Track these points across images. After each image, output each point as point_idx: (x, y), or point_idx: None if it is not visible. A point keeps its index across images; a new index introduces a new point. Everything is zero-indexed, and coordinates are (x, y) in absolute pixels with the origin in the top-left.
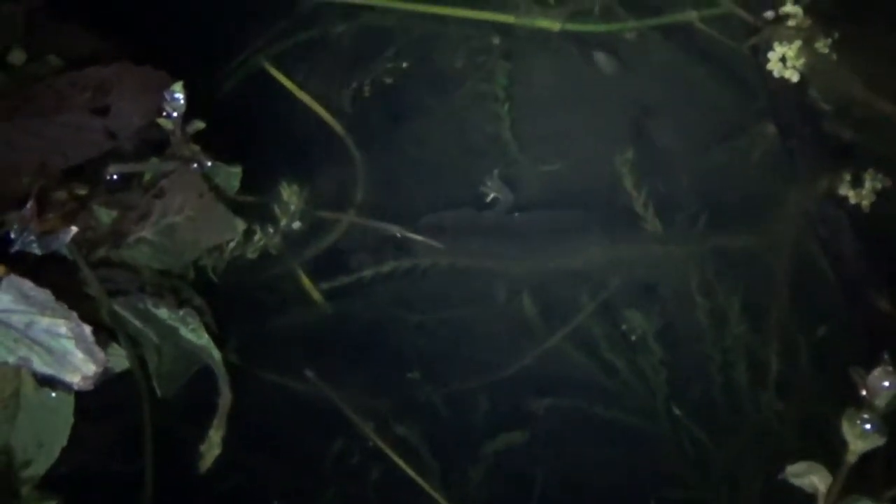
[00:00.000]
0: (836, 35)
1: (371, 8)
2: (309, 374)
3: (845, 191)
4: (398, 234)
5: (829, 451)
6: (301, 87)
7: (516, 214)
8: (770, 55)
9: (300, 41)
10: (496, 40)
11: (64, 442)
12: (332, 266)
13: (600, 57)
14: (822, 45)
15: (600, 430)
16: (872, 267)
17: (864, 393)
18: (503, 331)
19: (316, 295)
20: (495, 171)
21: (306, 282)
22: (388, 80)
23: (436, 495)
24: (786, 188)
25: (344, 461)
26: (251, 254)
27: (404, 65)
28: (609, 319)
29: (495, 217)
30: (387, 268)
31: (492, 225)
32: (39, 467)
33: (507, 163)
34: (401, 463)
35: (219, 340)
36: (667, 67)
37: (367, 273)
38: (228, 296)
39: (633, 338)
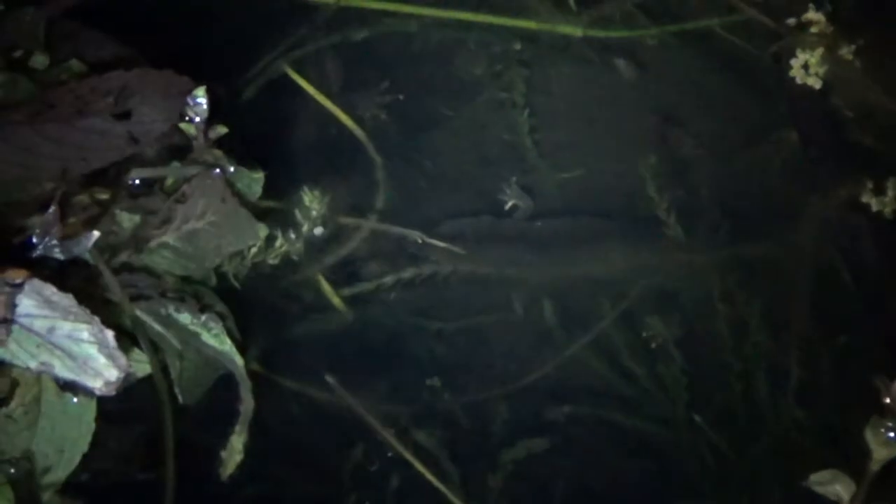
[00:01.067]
0: (860, 42)
1: (392, 13)
2: (330, 380)
3: (868, 199)
4: (419, 240)
5: (850, 459)
6: (323, 92)
7: (537, 222)
8: (792, 62)
9: (322, 46)
10: (517, 46)
11: (85, 448)
12: (353, 273)
13: (621, 63)
14: (845, 52)
15: (620, 438)
16: (892, 273)
17: (888, 401)
18: (523, 339)
19: (337, 301)
20: (513, 179)
21: (327, 288)
22: (409, 87)
23: (456, 501)
24: (807, 196)
25: (364, 468)
26: (272, 260)
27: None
28: (630, 327)
29: (515, 224)
30: (407, 275)
31: (512, 232)
32: (60, 473)
33: (526, 170)
34: (421, 470)
35: (241, 347)
36: (688, 74)
37: (388, 280)
38: (250, 302)
39: (654, 346)
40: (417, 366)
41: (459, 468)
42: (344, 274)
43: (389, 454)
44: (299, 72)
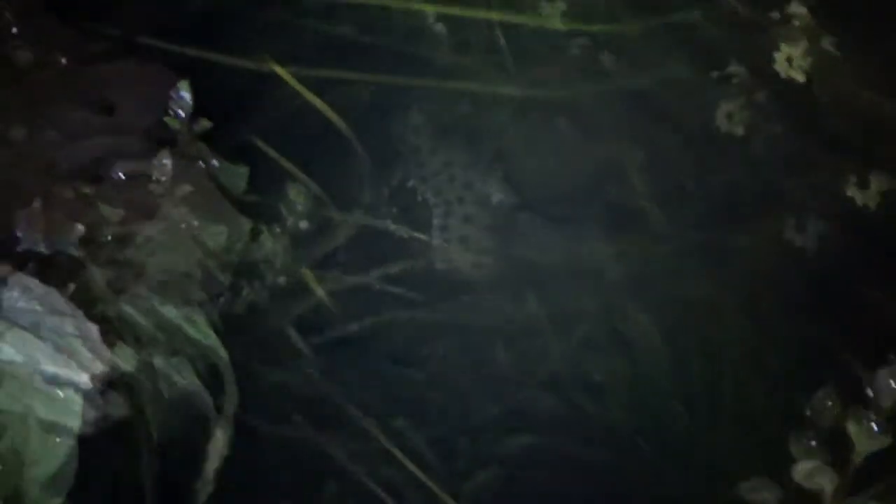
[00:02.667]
0: (843, 34)
1: (376, 7)
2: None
3: (851, 192)
4: (405, 235)
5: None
6: (307, 86)
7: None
8: (776, 55)
9: (307, 41)
10: (501, 41)
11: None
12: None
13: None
14: (827, 44)
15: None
16: (878, 267)
17: (870, 393)
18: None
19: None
20: (499, 172)
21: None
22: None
23: None
24: (791, 188)
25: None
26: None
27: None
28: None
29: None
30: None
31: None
32: None
33: (510, 163)
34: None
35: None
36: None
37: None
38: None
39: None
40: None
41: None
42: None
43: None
44: (284, 66)
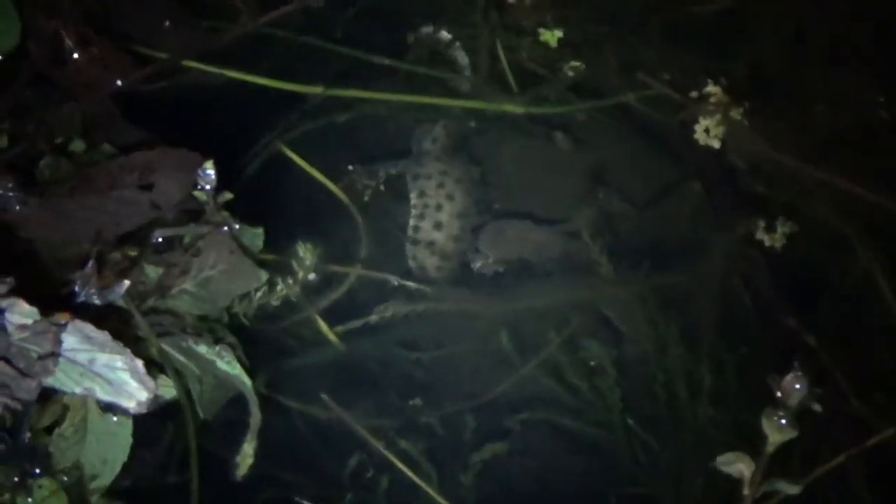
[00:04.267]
0: (749, 106)
1: (367, 100)
2: (327, 400)
3: (761, 235)
4: (396, 283)
5: (755, 446)
6: (311, 164)
7: (494, 266)
8: (696, 127)
9: (310, 128)
10: (472, 123)
11: (125, 458)
12: (344, 312)
13: (558, 136)
14: (736, 114)
15: (567, 439)
16: (784, 296)
17: (779, 394)
18: (485, 362)
19: (332, 336)
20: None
21: (323, 325)
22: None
23: (435, 496)
24: (712, 235)
25: (360, 473)
26: (275, 301)
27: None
28: (572, 350)
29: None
30: (388, 313)
31: (472, 275)
32: (104, 480)
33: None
34: (406, 472)
35: (249, 371)
36: (612, 141)
37: (373, 318)
38: (257, 337)
39: (592, 364)
40: (400, 388)
41: (437, 469)
42: (336, 313)
43: (380, 459)
44: (292, 149)
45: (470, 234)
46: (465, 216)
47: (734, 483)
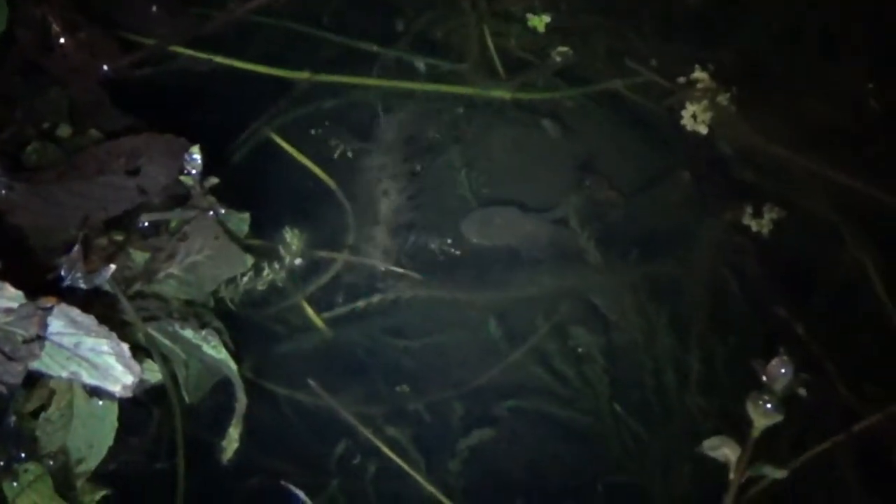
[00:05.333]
0: (736, 92)
1: (355, 86)
2: (314, 386)
3: (748, 221)
4: (383, 269)
5: (743, 434)
6: (299, 150)
7: (481, 254)
8: (683, 113)
9: (298, 114)
10: (460, 110)
11: (111, 443)
12: (331, 297)
13: (546, 123)
14: (723, 100)
15: (555, 426)
16: (774, 285)
17: (764, 379)
18: (473, 349)
19: (319, 322)
20: (470, 217)
21: (310, 311)
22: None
23: (423, 483)
24: (701, 223)
25: (347, 459)
26: (261, 286)
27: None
28: (560, 337)
29: (463, 256)
30: (376, 299)
31: (459, 262)
32: (90, 464)
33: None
34: (394, 458)
35: (235, 356)
36: (600, 128)
37: (360, 304)
38: (243, 322)
39: (580, 351)
40: (388, 375)
41: (425, 456)
42: (323, 300)
43: (368, 446)
44: (280, 135)
45: (406, 231)
46: (399, 213)
47: (722, 470)
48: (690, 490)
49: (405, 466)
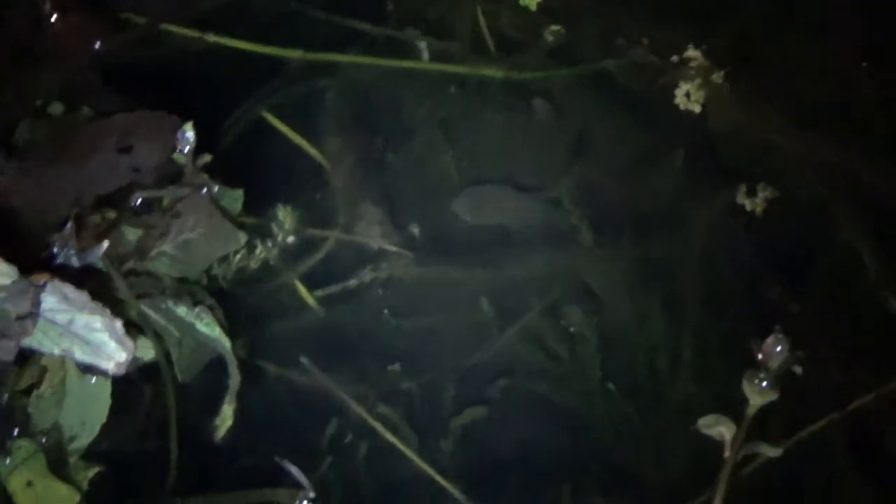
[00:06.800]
0: (730, 70)
1: (348, 65)
2: (307, 364)
3: (742, 200)
4: (376, 247)
5: (737, 416)
6: (292, 129)
7: (473, 233)
8: (676, 92)
9: (291, 93)
10: (452, 89)
11: (103, 420)
12: (324, 276)
13: (538, 102)
14: (717, 78)
15: (546, 407)
16: (768, 266)
17: (760, 357)
18: (465, 329)
19: (311, 301)
20: (462, 195)
21: (302, 289)
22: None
23: (416, 461)
24: (694, 204)
25: (339, 438)
26: (254, 264)
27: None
28: (552, 317)
29: (455, 236)
30: (368, 278)
31: (452, 242)
32: (83, 442)
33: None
34: (386, 436)
35: (228, 333)
36: (593, 108)
37: (352, 283)
38: (236, 300)
39: (573, 331)
40: (380, 353)
41: (418, 435)
42: (316, 278)
43: (360, 424)
44: (273, 114)
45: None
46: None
47: (716, 450)
48: (682, 470)
49: (398, 445)
